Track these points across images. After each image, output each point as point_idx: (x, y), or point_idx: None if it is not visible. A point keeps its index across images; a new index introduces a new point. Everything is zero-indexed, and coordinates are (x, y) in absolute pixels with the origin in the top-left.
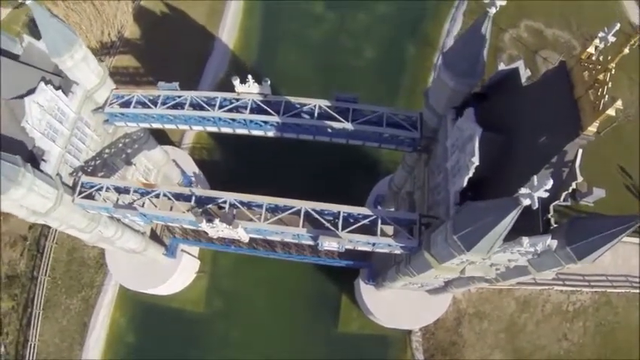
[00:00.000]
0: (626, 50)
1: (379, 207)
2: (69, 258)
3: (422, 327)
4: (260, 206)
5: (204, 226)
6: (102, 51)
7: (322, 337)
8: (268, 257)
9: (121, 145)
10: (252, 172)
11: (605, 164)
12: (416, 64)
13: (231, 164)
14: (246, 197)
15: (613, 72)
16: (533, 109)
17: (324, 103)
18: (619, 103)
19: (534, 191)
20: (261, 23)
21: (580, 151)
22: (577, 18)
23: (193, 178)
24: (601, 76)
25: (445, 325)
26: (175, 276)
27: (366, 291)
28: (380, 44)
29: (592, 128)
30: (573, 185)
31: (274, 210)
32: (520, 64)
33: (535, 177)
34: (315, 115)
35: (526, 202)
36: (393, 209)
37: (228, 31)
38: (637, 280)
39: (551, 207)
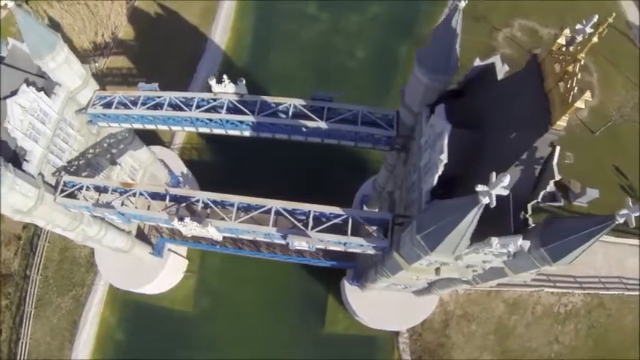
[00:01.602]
0: (595, 39)
1: (365, 207)
2: (61, 257)
3: (409, 328)
4: (232, 205)
5: (176, 224)
6: (95, 52)
7: (309, 338)
8: (254, 257)
9: (105, 145)
10: (242, 172)
11: (600, 164)
12: (408, 64)
13: (222, 164)
14: (219, 196)
15: (582, 62)
16: (504, 104)
17: (299, 102)
18: (587, 95)
19: (492, 189)
20: (254, 23)
21: (558, 148)
22: (573, 17)
23: (181, 178)
24: (570, 68)
25: (432, 327)
26: (162, 275)
27: (351, 292)
28: (373, 44)
29: (562, 122)
30: (551, 184)
31: (247, 209)
32: (496, 59)
33: (493, 174)
34: (290, 114)
35: (485, 200)
36: (377, 209)
37: (221, 32)
38: (631, 281)
39: (529, 206)
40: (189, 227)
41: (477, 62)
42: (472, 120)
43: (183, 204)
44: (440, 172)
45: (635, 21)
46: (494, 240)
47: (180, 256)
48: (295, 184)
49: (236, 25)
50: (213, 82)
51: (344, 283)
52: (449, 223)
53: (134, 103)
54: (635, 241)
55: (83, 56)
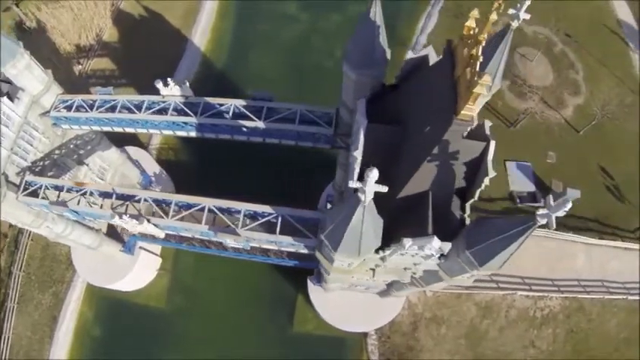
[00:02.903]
0: (494, 17)
1: (329, 206)
2: (43, 254)
3: (377, 330)
4: (169, 204)
5: (117, 220)
6: (79, 54)
7: (278, 337)
8: (221, 256)
9: (72, 146)
10: (218, 173)
11: (585, 164)
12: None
13: (198, 165)
14: (159, 195)
15: (483, 44)
16: (424, 97)
17: (239, 102)
18: (486, 79)
19: (365, 185)
20: (235, 24)
21: (493, 142)
22: (560, 15)
23: (153, 178)
24: (474, 51)
25: (401, 329)
26: (134, 272)
27: (315, 291)
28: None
29: (467, 112)
30: (486, 181)
31: (187, 207)
32: (429, 50)
33: (368, 170)
34: (230, 114)
35: (362, 197)
36: None
37: (201, 33)
38: (614, 285)
39: (467, 206)
40: (129, 224)
41: (410, 55)
42: (398, 115)
43: (128, 202)
44: (358, 168)
45: (626, 19)
46: (408, 241)
47: (154, 254)
48: (269, 185)
49: (217, 25)
50: (160, 85)
51: (308, 283)
52: (341, 224)
53: (91, 106)
54: (619, 243)
55: (67, 58)
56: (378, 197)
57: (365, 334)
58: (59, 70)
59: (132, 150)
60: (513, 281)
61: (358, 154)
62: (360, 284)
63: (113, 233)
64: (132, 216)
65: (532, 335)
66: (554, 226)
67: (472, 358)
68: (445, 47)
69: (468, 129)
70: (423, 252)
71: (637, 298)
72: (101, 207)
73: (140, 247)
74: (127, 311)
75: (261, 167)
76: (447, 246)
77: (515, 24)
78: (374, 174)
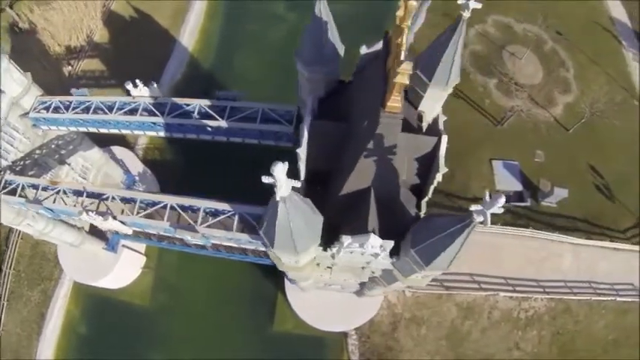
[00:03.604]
0: (413, 3)
1: None
2: (32, 252)
3: (357, 330)
4: (135, 201)
5: (84, 217)
6: (70, 55)
7: (258, 336)
8: (201, 255)
9: (53, 146)
10: (202, 173)
11: (574, 163)
12: None
13: (183, 164)
14: (127, 193)
15: (406, 31)
16: (366, 90)
17: (204, 102)
18: (406, 67)
19: (278, 183)
20: (223, 24)
21: (445, 137)
22: (550, 12)
23: (137, 178)
24: (399, 40)
25: (380, 330)
26: (117, 270)
27: (291, 291)
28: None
29: (393, 104)
30: (438, 177)
31: (152, 205)
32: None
33: (273, 165)
34: (195, 114)
35: (280, 194)
36: None
37: (189, 33)
38: (602, 286)
39: (422, 203)
40: (96, 220)
41: (364, 50)
42: (348, 111)
43: (97, 200)
44: (303, 166)
45: (619, 17)
46: (347, 238)
47: (139, 252)
48: (251, 184)
49: (205, 26)
50: (130, 86)
51: (286, 282)
52: (270, 220)
53: (67, 107)
54: (608, 244)
55: (57, 60)
56: (323, 195)
57: (345, 334)
58: (49, 72)
59: (117, 150)
60: (496, 282)
61: (301, 151)
62: (334, 283)
63: (97, 231)
64: (97, 213)
65: (516, 337)
66: (489, 223)
67: (453, 358)
68: (384, 39)
69: (400, 121)
70: (364, 250)
71: (626, 299)
72: (75, 205)
73: (123, 246)
74: (112, 309)
75: (246, 166)
76: (389, 244)
77: (466, 14)
78: (279, 168)
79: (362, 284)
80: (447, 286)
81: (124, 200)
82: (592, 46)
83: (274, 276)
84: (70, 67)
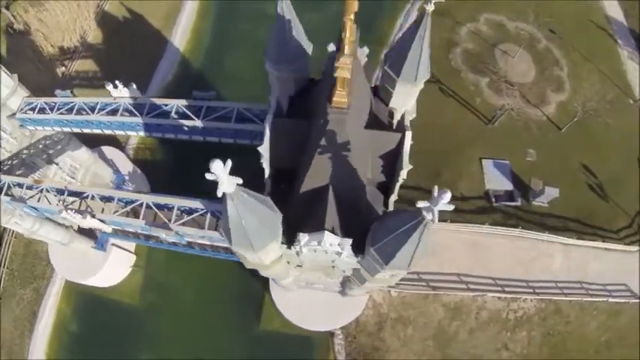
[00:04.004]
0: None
1: None
2: (25, 251)
3: (344, 330)
4: (113, 200)
5: (64, 215)
6: (64, 56)
7: (245, 335)
8: (187, 253)
9: (41, 146)
10: (191, 172)
11: (567, 162)
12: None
13: (173, 164)
14: (106, 192)
15: (350, 24)
16: (323, 88)
17: (181, 102)
18: (344, 61)
19: (220, 180)
20: (214, 24)
21: (409, 133)
22: (544, 11)
23: (127, 177)
24: (344, 34)
25: (366, 329)
26: (106, 269)
27: (276, 290)
28: (329, 43)
29: (338, 99)
30: (403, 175)
31: (130, 203)
32: None
33: (211, 162)
34: (173, 114)
35: (223, 190)
36: None
37: (181, 34)
38: (593, 287)
39: (390, 201)
40: (76, 218)
41: (332, 47)
42: (312, 109)
43: (77, 198)
44: (266, 164)
45: (615, 16)
46: (304, 236)
47: (128, 251)
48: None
49: (196, 26)
50: (110, 87)
51: (270, 281)
52: (224, 217)
53: (51, 108)
54: (600, 244)
55: (51, 60)
56: (289, 193)
57: (332, 334)
58: (42, 72)
59: (107, 150)
60: (484, 282)
61: (263, 149)
62: (316, 282)
63: (86, 230)
64: (76, 211)
65: (505, 338)
66: (437, 220)
67: (441, 359)
68: (339, 35)
69: (345, 116)
70: (322, 247)
71: (619, 300)
72: (58, 204)
73: (112, 244)
74: (103, 307)
75: (237, 166)
76: (347, 242)
77: (430, 7)
78: (216, 165)
79: (343, 283)
80: (433, 286)
81: (104, 199)
82: (586, 45)
83: (261, 275)
84: (63, 68)
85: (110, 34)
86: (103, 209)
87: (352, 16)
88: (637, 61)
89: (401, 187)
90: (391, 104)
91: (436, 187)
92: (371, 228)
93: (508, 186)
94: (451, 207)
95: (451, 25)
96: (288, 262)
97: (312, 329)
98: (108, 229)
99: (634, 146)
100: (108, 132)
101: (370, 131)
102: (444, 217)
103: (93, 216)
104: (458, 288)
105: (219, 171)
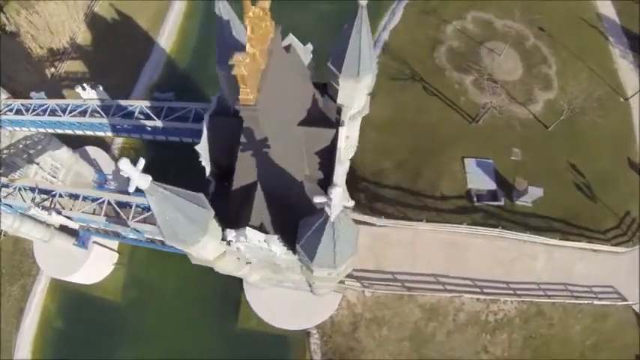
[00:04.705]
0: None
1: None
2: (14, 248)
3: (319, 329)
4: (79, 197)
5: (32, 212)
6: (53, 57)
7: (223, 333)
8: (168, 251)
9: (21, 146)
10: (176, 171)
11: (554, 161)
12: None
13: (156, 163)
14: (73, 190)
15: (249, 24)
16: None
17: (145, 103)
18: (236, 58)
19: (129, 175)
20: (200, 25)
21: (342, 129)
22: (533, 8)
23: (110, 176)
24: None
25: (341, 330)
26: (87, 266)
27: (249, 288)
28: (314, 43)
29: (242, 95)
30: (339, 170)
31: (94, 200)
32: (291, 39)
33: (118, 160)
34: (136, 114)
35: (133, 184)
36: None
37: (168, 35)
38: (578, 288)
39: None
40: (44, 215)
41: (310, 47)
42: None
43: (47, 196)
44: (205, 162)
45: (607, 14)
46: (230, 232)
47: (111, 249)
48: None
49: (183, 26)
50: (79, 89)
51: (243, 280)
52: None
53: (27, 110)
54: (586, 245)
55: (40, 62)
56: (222, 190)
57: (308, 333)
58: (32, 73)
59: (91, 150)
60: (462, 283)
61: (200, 147)
62: (285, 280)
63: (69, 228)
64: (43, 208)
65: (485, 340)
66: (334, 217)
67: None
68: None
69: (256, 113)
70: (248, 243)
71: (605, 302)
72: (30, 201)
73: (94, 242)
74: (87, 304)
75: None
76: (272, 238)
77: (363, 2)
78: (123, 163)
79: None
80: (408, 286)
81: (72, 196)
82: (577, 43)
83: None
84: (53, 69)
85: (99, 35)
86: (72, 206)
87: (251, 14)
88: (629, 60)
89: (381, 186)
90: (339, 101)
91: (333, 184)
92: (299, 225)
93: (491, 185)
94: (351, 203)
95: (437, 24)
96: (238, 259)
97: (283, 327)
98: (75, 225)
99: (624, 145)
100: (79, 132)
101: (304, 128)
102: (419, 216)
103: (59, 213)
104: (434, 289)
105: (127, 168)
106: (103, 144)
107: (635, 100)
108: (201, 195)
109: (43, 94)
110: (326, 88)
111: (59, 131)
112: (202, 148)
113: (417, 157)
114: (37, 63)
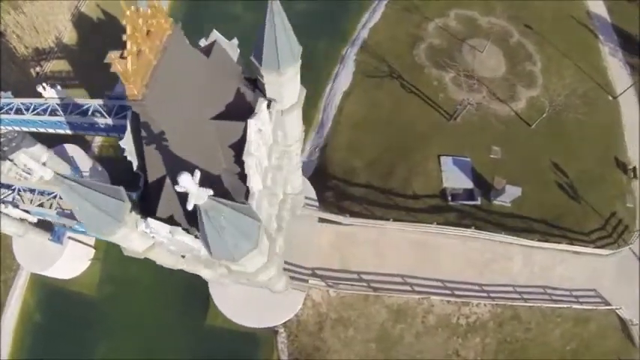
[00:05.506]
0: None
1: None
2: None
3: (286, 328)
4: (34, 192)
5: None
6: (39, 56)
7: (194, 329)
8: None
9: None
10: None
11: (536, 160)
12: (326, 57)
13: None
14: (29, 185)
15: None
16: None
17: (98, 102)
18: (109, 56)
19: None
20: (183, 26)
21: (251, 122)
22: (519, 5)
23: (86, 173)
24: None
25: (307, 329)
26: (62, 261)
27: (213, 284)
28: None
29: (129, 91)
30: (249, 163)
31: (48, 194)
32: (216, 35)
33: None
34: (90, 112)
35: (36, 176)
36: None
37: None
38: (558, 292)
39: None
40: (6, 209)
41: (203, 42)
42: None
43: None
44: (131, 157)
45: (597, 11)
46: (142, 222)
47: (87, 244)
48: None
49: None
50: (40, 88)
51: None
52: None
53: None
54: (567, 247)
55: (25, 61)
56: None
57: (275, 332)
58: (16, 73)
59: (69, 148)
60: (431, 284)
61: (124, 143)
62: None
63: (44, 223)
64: (3, 202)
65: (456, 344)
66: (191, 207)
67: None
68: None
69: (146, 108)
70: (157, 234)
71: (587, 307)
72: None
73: (69, 237)
74: (64, 299)
75: None
76: (176, 229)
77: None
78: (22, 157)
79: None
80: (374, 287)
81: (31, 191)
82: (565, 41)
83: None
84: (38, 68)
85: (85, 35)
86: (31, 200)
87: (128, 13)
88: (619, 58)
89: (353, 184)
90: (268, 95)
91: (197, 171)
92: None
93: (468, 184)
94: (209, 191)
95: (418, 21)
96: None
97: (245, 325)
98: (33, 219)
99: (612, 144)
100: (42, 130)
101: (216, 122)
102: (388, 215)
103: (15, 206)
104: (401, 289)
105: (30, 164)
106: (83, 142)
107: (623, 98)
108: (120, 188)
109: (10, 93)
110: (257, 83)
111: (24, 129)
112: (127, 143)
113: (390, 155)
114: (22, 62)
